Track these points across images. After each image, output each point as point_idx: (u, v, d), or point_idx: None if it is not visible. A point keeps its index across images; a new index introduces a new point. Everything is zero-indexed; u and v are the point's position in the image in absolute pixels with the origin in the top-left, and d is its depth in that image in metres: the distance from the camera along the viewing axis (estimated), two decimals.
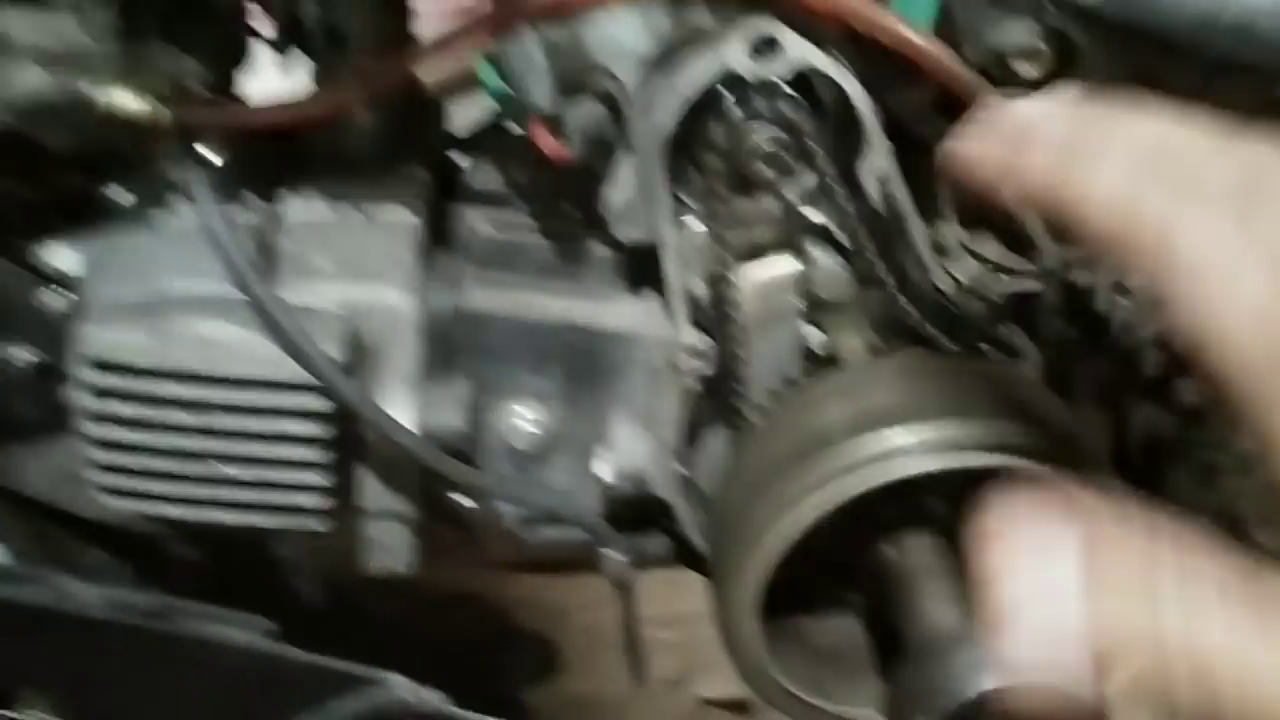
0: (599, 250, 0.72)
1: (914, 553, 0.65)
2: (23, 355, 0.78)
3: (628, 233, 0.68)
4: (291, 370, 0.65)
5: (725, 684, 1.62)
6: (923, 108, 0.67)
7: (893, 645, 0.69)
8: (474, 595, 1.72)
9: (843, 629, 0.75)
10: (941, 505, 0.69)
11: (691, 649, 1.65)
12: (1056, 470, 0.60)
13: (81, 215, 0.71)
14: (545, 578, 1.77)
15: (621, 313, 0.72)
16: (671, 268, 0.66)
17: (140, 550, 0.95)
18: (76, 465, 0.82)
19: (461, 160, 0.78)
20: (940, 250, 0.69)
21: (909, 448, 0.58)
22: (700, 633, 1.71)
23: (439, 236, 0.72)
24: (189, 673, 0.76)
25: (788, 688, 0.67)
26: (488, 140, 0.77)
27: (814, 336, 0.70)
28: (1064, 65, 0.60)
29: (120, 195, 0.70)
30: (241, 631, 0.75)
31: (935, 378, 0.64)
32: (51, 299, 0.80)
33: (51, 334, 0.79)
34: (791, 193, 0.68)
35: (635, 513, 0.78)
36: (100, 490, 0.69)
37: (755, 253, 0.70)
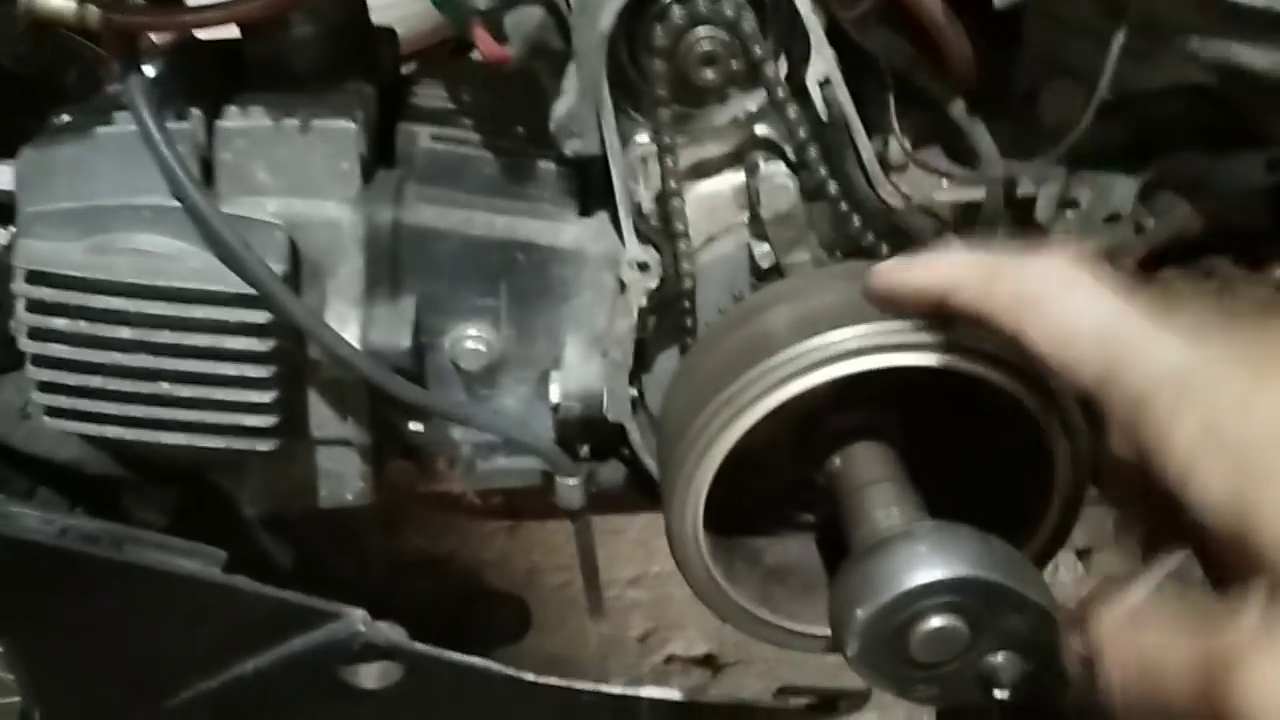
0: (545, 166, 0.71)
1: (859, 462, 0.65)
2: None
3: (573, 145, 0.67)
4: (231, 282, 0.64)
5: (694, 641, 1.63)
6: (865, 16, 0.67)
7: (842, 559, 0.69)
8: (445, 558, 1.72)
9: (795, 549, 0.74)
10: (883, 414, 0.68)
11: (661, 607, 1.65)
12: (998, 370, 0.59)
13: (18, 135, 0.70)
14: (514, 539, 1.77)
15: (569, 230, 0.71)
16: (618, 178, 0.65)
17: (94, 493, 0.94)
18: (22, 401, 0.81)
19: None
20: (884, 163, 0.69)
21: (852, 349, 0.58)
22: (670, 592, 1.72)
23: (382, 152, 0.71)
24: (141, 603, 0.75)
25: (738, 601, 0.67)
26: (434, 61, 0.76)
27: (761, 251, 0.69)
28: None
29: (55, 110, 0.69)
30: (195, 562, 0.74)
31: None
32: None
33: None
34: (737, 104, 0.67)
35: (589, 438, 0.78)
36: (42, 410, 0.68)
37: (703, 170, 0.70)
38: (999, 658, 0.58)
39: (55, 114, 0.73)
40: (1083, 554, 0.87)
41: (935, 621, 0.55)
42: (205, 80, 0.69)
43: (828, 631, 0.69)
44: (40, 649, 0.77)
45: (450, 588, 1.66)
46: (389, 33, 0.79)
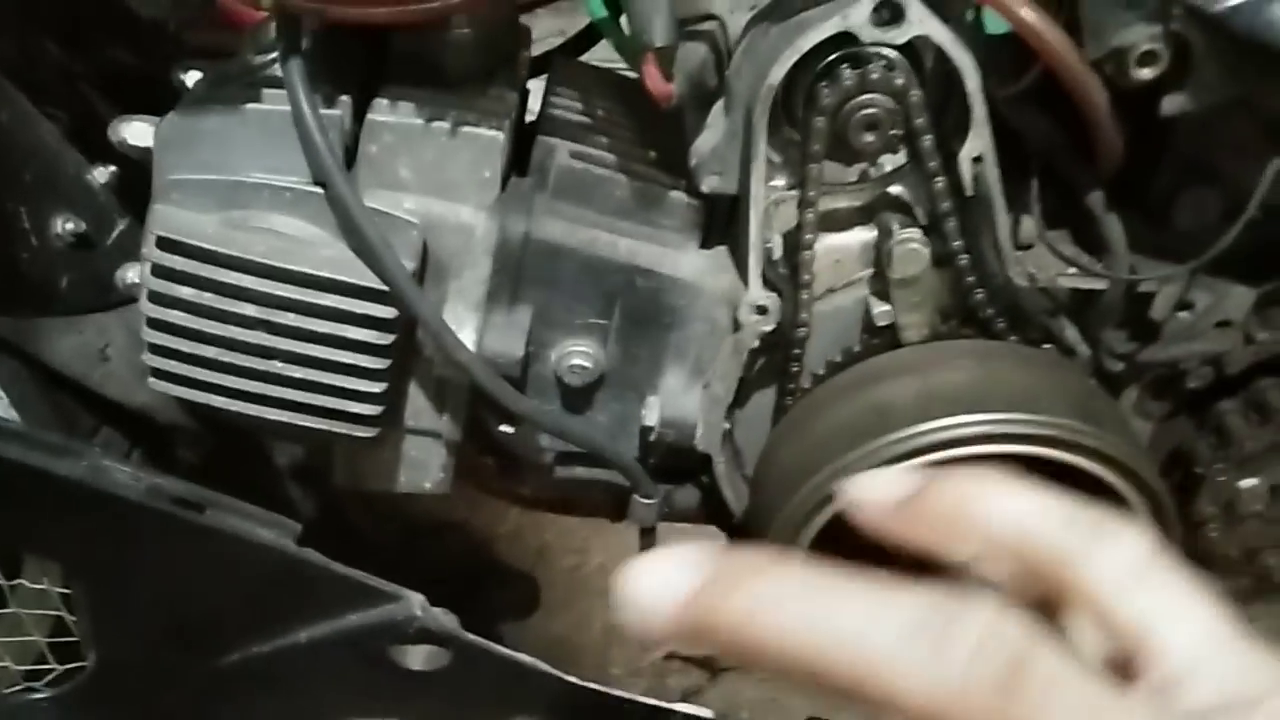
0: (674, 195, 0.71)
1: None
2: (66, 225, 0.77)
3: (711, 183, 0.67)
4: (363, 275, 0.64)
5: None
6: (1020, 96, 0.67)
7: None
8: (459, 525, 1.72)
9: None
10: None
11: None
12: (1110, 469, 0.61)
13: (163, 94, 0.70)
14: (528, 515, 1.78)
15: (689, 261, 0.71)
16: (754, 224, 0.66)
17: (150, 439, 0.94)
18: (103, 343, 0.81)
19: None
20: (1014, 240, 0.69)
21: (978, 434, 0.58)
22: None
23: (519, 162, 0.71)
24: (211, 564, 0.76)
25: None
26: (572, 68, 0.76)
27: (880, 310, 0.70)
28: (1178, 72, 0.60)
29: (205, 75, 0.69)
30: (270, 532, 0.75)
31: (1003, 364, 0.65)
32: (100, 173, 0.79)
33: (96, 208, 0.78)
34: (885, 165, 0.68)
35: (672, 462, 0.79)
36: (150, 372, 0.68)
37: (832, 222, 0.70)
38: None
39: (181, 68, 0.73)
40: None
41: None
42: (349, 64, 0.69)
43: None
44: (107, 596, 0.78)
45: (461, 556, 1.67)
46: (526, 32, 0.79)
